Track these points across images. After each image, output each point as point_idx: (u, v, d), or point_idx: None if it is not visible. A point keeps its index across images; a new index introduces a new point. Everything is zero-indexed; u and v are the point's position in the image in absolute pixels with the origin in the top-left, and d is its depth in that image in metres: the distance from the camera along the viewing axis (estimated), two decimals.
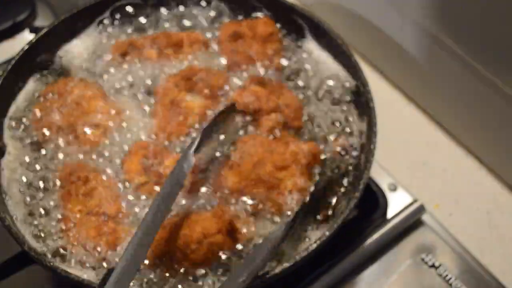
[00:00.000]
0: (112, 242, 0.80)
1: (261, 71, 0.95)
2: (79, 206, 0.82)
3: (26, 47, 0.93)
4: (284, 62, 0.97)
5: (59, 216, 0.82)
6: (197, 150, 0.80)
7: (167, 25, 1.02)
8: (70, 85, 0.92)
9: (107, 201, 0.82)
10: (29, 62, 0.94)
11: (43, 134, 0.89)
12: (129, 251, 0.70)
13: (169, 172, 0.79)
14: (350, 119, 0.92)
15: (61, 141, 0.88)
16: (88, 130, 0.88)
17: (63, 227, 0.81)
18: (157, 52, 0.96)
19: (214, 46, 0.99)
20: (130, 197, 0.84)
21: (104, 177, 0.85)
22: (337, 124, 0.92)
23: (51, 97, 0.91)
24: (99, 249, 0.79)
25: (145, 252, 0.71)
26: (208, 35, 1.00)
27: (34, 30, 1.12)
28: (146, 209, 0.76)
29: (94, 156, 0.87)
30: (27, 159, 0.88)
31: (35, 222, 0.82)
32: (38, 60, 0.95)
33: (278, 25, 1.00)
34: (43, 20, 1.14)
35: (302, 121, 0.91)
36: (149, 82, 0.94)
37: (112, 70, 0.96)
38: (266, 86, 0.92)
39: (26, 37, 1.11)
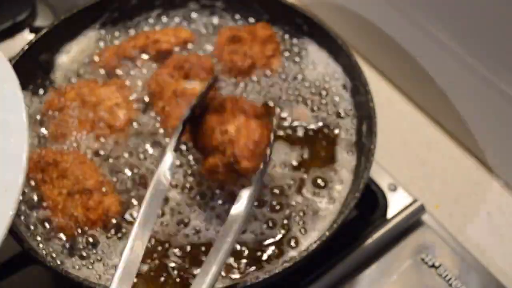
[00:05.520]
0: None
1: (259, 71, 0.95)
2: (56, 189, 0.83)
3: (26, 47, 0.93)
4: (283, 62, 0.97)
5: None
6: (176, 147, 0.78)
7: (167, 27, 1.02)
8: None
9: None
10: (29, 62, 0.94)
11: None
12: (123, 263, 0.69)
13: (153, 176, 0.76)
14: (350, 119, 0.92)
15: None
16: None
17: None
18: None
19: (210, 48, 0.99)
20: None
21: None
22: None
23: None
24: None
25: (139, 259, 0.70)
26: (207, 40, 1.00)
27: (34, 30, 1.12)
28: None
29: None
30: None
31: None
32: (38, 60, 0.95)
33: (277, 25, 1.00)
34: (43, 20, 1.14)
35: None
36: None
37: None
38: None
39: (26, 37, 1.11)
